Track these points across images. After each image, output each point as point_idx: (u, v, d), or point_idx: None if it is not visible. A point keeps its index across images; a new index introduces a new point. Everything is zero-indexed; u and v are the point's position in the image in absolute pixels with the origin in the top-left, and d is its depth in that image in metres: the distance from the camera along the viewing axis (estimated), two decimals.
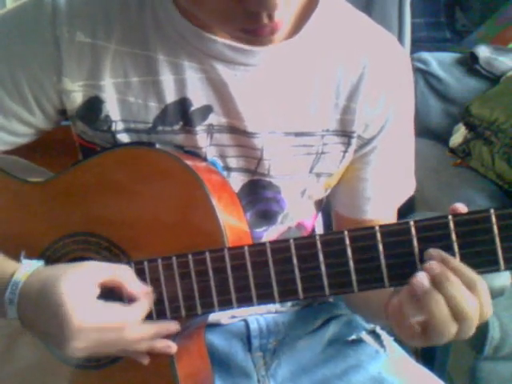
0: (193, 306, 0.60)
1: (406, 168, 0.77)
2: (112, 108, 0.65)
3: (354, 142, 0.69)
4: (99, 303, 0.58)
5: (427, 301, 0.52)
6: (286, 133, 0.67)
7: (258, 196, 0.70)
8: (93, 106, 0.65)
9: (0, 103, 0.66)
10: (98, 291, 0.58)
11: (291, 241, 0.56)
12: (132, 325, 0.58)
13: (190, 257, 0.59)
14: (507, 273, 1.02)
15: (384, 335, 0.78)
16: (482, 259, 0.52)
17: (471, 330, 0.53)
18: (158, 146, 0.64)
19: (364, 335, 0.78)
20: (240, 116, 0.65)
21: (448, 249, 0.52)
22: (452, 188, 1.45)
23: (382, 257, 0.54)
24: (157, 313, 0.61)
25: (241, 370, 0.76)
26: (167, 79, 0.64)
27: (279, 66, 0.65)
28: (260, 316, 0.80)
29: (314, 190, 0.73)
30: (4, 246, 0.67)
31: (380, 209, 0.74)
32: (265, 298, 0.58)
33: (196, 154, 0.67)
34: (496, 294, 1.01)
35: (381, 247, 0.54)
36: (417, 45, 1.57)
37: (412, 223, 0.53)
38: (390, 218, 0.76)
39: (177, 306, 0.60)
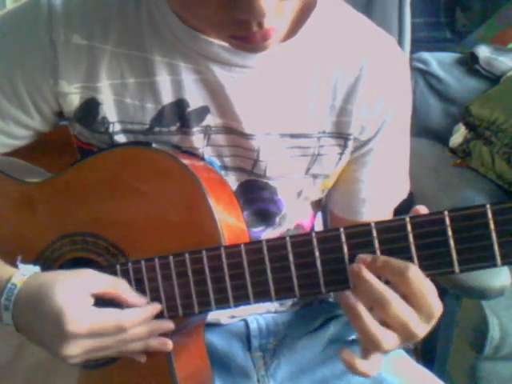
0: (190, 305, 0.60)
1: (401, 170, 0.77)
2: (109, 109, 0.65)
3: (351, 144, 0.69)
4: (93, 310, 0.58)
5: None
6: (282, 134, 0.67)
7: (255, 196, 0.70)
8: (90, 107, 0.66)
9: None
10: (91, 300, 0.59)
11: (287, 238, 0.56)
12: (128, 329, 0.58)
13: (186, 255, 0.59)
14: (507, 272, 1.02)
15: None
16: (478, 255, 0.52)
17: (407, 319, 0.52)
18: (154, 145, 0.64)
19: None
20: (236, 117, 0.65)
21: (444, 245, 0.52)
22: (452, 188, 1.45)
23: (378, 253, 0.54)
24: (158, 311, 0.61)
25: (240, 370, 0.76)
26: (164, 80, 0.64)
27: (276, 68, 0.65)
28: (260, 316, 0.80)
29: (311, 192, 0.73)
30: (2, 246, 0.67)
31: (375, 210, 0.74)
32: (261, 296, 0.58)
33: (193, 153, 0.67)
34: (496, 293, 1.01)
35: (377, 243, 0.54)
36: (417, 45, 1.56)
37: (408, 219, 0.53)
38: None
39: (174, 305, 0.60)
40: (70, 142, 0.74)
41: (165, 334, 0.61)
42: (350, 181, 0.74)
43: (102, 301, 0.60)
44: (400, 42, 1.18)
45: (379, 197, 0.75)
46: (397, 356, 0.77)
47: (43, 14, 0.63)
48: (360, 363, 0.54)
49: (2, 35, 0.67)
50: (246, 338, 0.78)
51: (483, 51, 1.68)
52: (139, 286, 0.61)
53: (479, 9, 2.37)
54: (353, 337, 0.78)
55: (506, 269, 1.03)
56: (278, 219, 0.73)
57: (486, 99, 1.57)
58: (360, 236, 0.54)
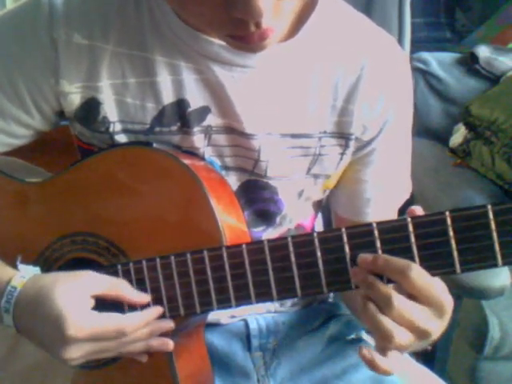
0: (191, 305, 0.60)
1: (404, 170, 0.77)
2: (110, 109, 0.65)
3: (352, 144, 0.69)
4: (94, 314, 0.58)
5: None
6: (283, 134, 0.67)
7: (256, 196, 0.70)
8: (90, 107, 0.65)
9: None
10: (92, 302, 0.59)
11: (289, 238, 0.56)
12: (129, 333, 0.58)
13: (188, 255, 0.59)
14: (507, 272, 1.02)
15: None
16: (479, 255, 0.52)
17: (414, 317, 0.52)
18: (155, 145, 0.64)
19: (364, 334, 0.78)
20: (237, 117, 0.65)
21: (445, 245, 0.52)
22: (452, 188, 1.45)
23: (380, 253, 0.54)
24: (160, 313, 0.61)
25: (240, 370, 0.76)
26: (164, 80, 0.64)
27: (276, 68, 0.65)
28: (260, 316, 0.80)
29: (312, 192, 0.73)
30: (2, 246, 0.67)
31: (380, 210, 0.74)
32: (263, 296, 0.58)
33: (194, 153, 0.67)
34: (496, 293, 1.01)
35: (378, 244, 0.54)
36: (417, 45, 1.56)
37: (409, 220, 0.53)
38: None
39: (175, 305, 0.60)
40: (70, 142, 0.74)
41: (166, 334, 0.61)
42: (354, 181, 0.74)
43: (104, 302, 0.60)
44: (400, 42, 1.18)
45: (383, 197, 0.75)
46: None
47: (44, 13, 0.63)
48: (380, 360, 0.53)
49: (2, 35, 0.67)
50: (245, 338, 0.78)
51: (483, 51, 1.68)
52: (141, 286, 0.61)
53: (479, 9, 2.37)
54: (352, 336, 0.78)
55: (505, 269, 1.03)
56: (278, 219, 0.73)
57: (486, 99, 1.57)
58: (362, 236, 0.54)
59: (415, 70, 1.68)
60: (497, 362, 1.30)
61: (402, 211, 0.79)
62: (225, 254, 0.58)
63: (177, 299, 0.60)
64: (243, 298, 0.58)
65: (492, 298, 1.05)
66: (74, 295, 0.57)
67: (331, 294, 0.89)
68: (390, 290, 0.53)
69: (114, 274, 0.62)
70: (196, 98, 0.65)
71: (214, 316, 0.76)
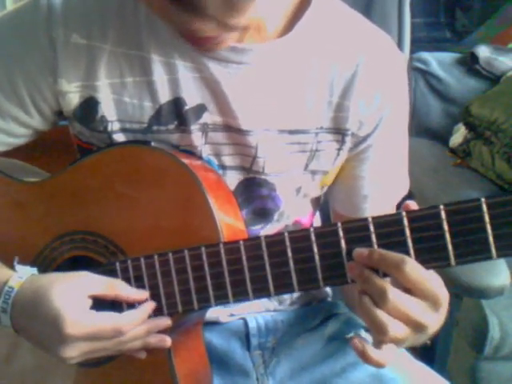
0: (189, 301, 0.60)
1: (401, 166, 0.77)
2: (108, 108, 0.66)
3: (349, 139, 0.69)
4: (91, 313, 0.58)
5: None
6: (280, 130, 0.67)
7: (254, 194, 0.71)
8: (89, 106, 0.66)
9: None
10: (89, 302, 0.59)
11: (286, 234, 0.57)
12: (126, 332, 0.58)
13: (185, 252, 0.59)
14: (507, 272, 1.02)
15: None
16: (474, 248, 0.52)
17: (409, 310, 0.52)
18: (153, 144, 0.64)
19: (363, 333, 0.78)
20: (234, 114, 0.65)
21: (440, 238, 0.53)
22: (452, 188, 1.45)
23: (375, 247, 0.54)
24: (154, 308, 0.61)
25: (240, 369, 0.76)
26: (161, 79, 0.64)
27: (272, 64, 0.65)
28: (259, 314, 0.80)
29: (310, 188, 0.73)
30: (1, 245, 0.67)
31: (377, 206, 0.74)
32: (260, 291, 0.58)
33: (191, 152, 0.67)
34: (496, 293, 1.01)
35: (374, 238, 0.54)
36: (417, 45, 1.57)
37: (404, 214, 0.53)
38: None
39: (173, 302, 0.60)
40: (69, 142, 0.74)
41: (164, 331, 0.61)
42: (351, 178, 0.74)
43: (101, 302, 0.60)
44: (400, 42, 1.18)
45: (381, 193, 0.75)
46: (397, 353, 0.77)
47: (43, 13, 0.64)
48: (371, 351, 0.54)
49: (2, 35, 0.68)
50: (245, 337, 0.79)
51: (483, 51, 1.68)
52: (139, 283, 0.61)
53: (479, 9, 2.38)
54: (351, 334, 0.78)
55: (505, 268, 1.03)
56: (276, 216, 0.73)
57: (486, 99, 1.57)
58: (357, 231, 0.55)
59: (415, 70, 1.68)
60: (497, 362, 1.30)
61: (399, 208, 0.79)
62: (222, 250, 0.58)
63: (175, 296, 0.60)
64: (241, 294, 0.58)
65: (492, 297, 1.05)
66: (72, 295, 0.58)
67: (330, 293, 0.89)
68: (385, 283, 0.53)
69: (113, 271, 0.62)
70: (192, 96, 0.65)
71: (212, 314, 0.76)
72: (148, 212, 0.62)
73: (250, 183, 0.70)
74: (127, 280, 0.62)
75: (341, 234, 0.55)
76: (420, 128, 1.67)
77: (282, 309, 0.82)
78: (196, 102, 0.65)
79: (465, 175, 1.53)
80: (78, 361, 0.59)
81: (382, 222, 0.54)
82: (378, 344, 0.54)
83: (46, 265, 0.67)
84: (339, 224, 0.55)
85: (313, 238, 0.56)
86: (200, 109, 0.65)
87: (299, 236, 0.56)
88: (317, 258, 0.56)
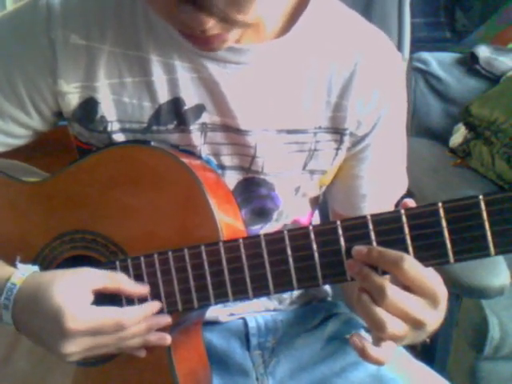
0: (189, 300, 0.60)
1: (400, 165, 0.77)
2: (107, 109, 0.66)
3: (347, 139, 0.70)
4: (93, 308, 0.58)
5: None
6: (279, 130, 0.67)
7: (253, 194, 0.71)
8: (88, 107, 0.66)
9: None
10: (91, 297, 0.59)
11: (285, 232, 0.57)
12: (127, 328, 0.58)
13: (185, 251, 0.59)
14: (507, 272, 1.02)
15: None
16: (472, 245, 0.52)
17: (407, 307, 0.53)
18: (153, 143, 0.64)
19: (363, 333, 0.78)
20: (232, 114, 0.65)
21: (439, 235, 0.53)
22: (452, 188, 1.45)
23: (374, 245, 0.55)
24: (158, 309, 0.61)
25: (239, 369, 0.76)
26: (160, 79, 0.64)
27: (270, 64, 0.65)
28: (258, 314, 0.80)
29: (308, 188, 0.73)
30: (1, 245, 0.67)
31: (376, 206, 0.75)
32: (260, 289, 0.58)
33: (191, 152, 0.67)
34: (496, 293, 1.01)
35: (373, 235, 0.55)
36: (417, 45, 1.57)
37: (403, 211, 0.54)
38: None
39: (173, 300, 0.61)
40: (69, 142, 0.74)
41: (164, 330, 0.61)
42: (350, 177, 0.74)
43: (103, 298, 0.60)
44: (400, 42, 1.18)
45: (379, 192, 0.75)
46: (397, 353, 0.77)
47: (42, 14, 0.64)
48: (371, 348, 0.54)
49: (1, 36, 0.68)
50: (244, 337, 0.79)
51: (483, 51, 1.68)
52: (139, 282, 0.61)
53: (479, 9, 2.38)
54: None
55: (505, 268, 1.03)
56: (275, 215, 0.73)
57: (486, 99, 1.57)
58: (356, 228, 0.55)
59: (415, 70, 1.68)
60: (497, 362, 1.30)
61: (397, 206, 0.79)
62: (222, 249, 0.58)
63: (175, 294, 0.60)
64: (240, 292, 0.58)
65: (492, 297, 1.05)
66: (74, 290, 0.58)
67: (330, 293, 0.89)
68: (383, 280, 0.53)
69: (113, 270, 0.62)
70: (191, 96, 0.65)
71: (212, 314, 0.76)
72: (148, 211, 0.62)
73: (249, 183, 0.70)
74: None
75: (340, 231, 0.55)
76: (420, 128, 1.67)
77: (282, 308, 0.82)
78: (195, 102, 0.65)
79: (465, 175, 1.53)
80: (78, 358, 0.59)
81: (381, 220, 0.54)
82: (377, 341, 0.54)
83: (46, 264, 0.67)
84: (338, 222, 0.55)
85: (312, 235, 0.56)
86: (199, 109, 0.66)
87: (298, 234, 0.56)
88: (316, 255, 0.56)
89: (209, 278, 0.59)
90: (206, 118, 0.66)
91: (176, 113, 0.66)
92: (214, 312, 0.76)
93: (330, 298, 0.88)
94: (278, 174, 0.70)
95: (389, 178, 0.76)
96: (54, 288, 0.57)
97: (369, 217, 0.54)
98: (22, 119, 0.68)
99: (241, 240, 0.58)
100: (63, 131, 0.73)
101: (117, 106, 0.66)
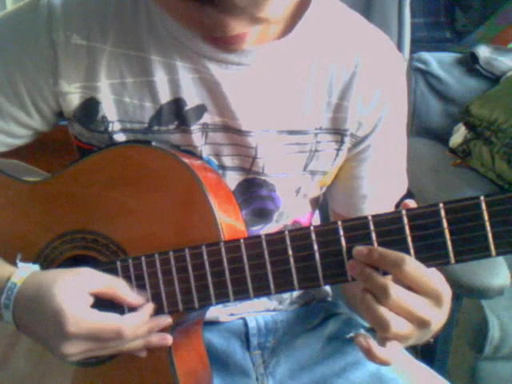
0: (190, 300, 0.60)
1: (400, 166, 0.77)
2: (108, 109, 0.66)
3: (348, 140, 0.70)
4: (93, 313, 0.58)
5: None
6: (280, 131, 0.67)
7: (253, 194, 0.71)
8: (89, 107, 0.66)
9: None
10: (91, 299, 0.59)
11: (286, 232, 0.57)
12: (127, 335, 0.58)
13: (186, 251, 0.59)
14: (507, 272, 1.02)
15: None
16: (473, 245, 0.52)
17: (411, 306, 0.53)
18: (154, 143, 0.64)
19: (363, 333, 0.78)
20: (233, 115, 0.65)
21: (440, 236, 0.53)
22: (452, 188, 1.45)
23: (375, 245, 0.55)
24: (154, 307, 0.61)
25: (239, 369, 0.76)
26: (161, 80, 0.65)
27: (272, 65, 0.65)
28: (258, 314, 0.80)
29: (309, 188, 0.73)
30: (2, 245, 0.67)
31: (376, 207, 0.75)
32: (261, 289, 0.58)
33: (192, 152, 0.67)
34: (496, 293, 1.01)
35: (374, 236, 0.55)
36: (417, 45, 1.57)
37: (404, 212, 0.54)
38: None
39: (174, 300, 0.61)
40: (70, 142, 0.74)
41: (165, 330, 0.61)
42: (350, 178, 0.74)
43: (103, 299, 0.60)
44: (400, 42, 1.18)
45: (379, 193, 0.75)
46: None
47: (43, 14, 0.64)
48: (377, 349, 0.53)
49: (2, 36, 0.68)
50: (244, 337, 0.79)
51: (483, 51, 1.68)
52: (139, 282, 0.61)
53: (479, 9, 2.38)
54: (351, 334, 0.78)
55: (505, 268, 1.03)
56: (275, 216, 0.73)
57: (486, 99, 1.57)
58: (357, 229, 0.55)
59: (415, 70, 1.68)
60: (497, 362, 1.29)
61: (398, 207, 0.79)
62: (223, 249, 0.58)
63: (175, 294, 0.60)
64: (241, 293, 0.59)
65: (492, 297, 1.05)
66: (74, 292, 0.58)
67: (330, 293, 0.89)
68: (386, 280, 0.53)
69: (114, 270, 0.62)
70: (192, 96, 0.65)
71: (212, 314, 0.76)
72: (149, 211, 0.62)
73: (249, 184, 0.70)
74: (128, 279, 0.62)
75: (341, 232, 0.55)
76: (420, 128, 1.67)
77: (282, 308, 0.82)
78: (196, 102, 0.65)
79: (465, 175, 1.53)
80: (79, 358, 0.59)
81: (382, 220, 0.54)
82: (381, 341, 0.54)
83: (47, 264, 0.67)
84: (339, 222, 0.56)
85: (313, 236, 0.56)
86: (200, 109, 0.66)
87: (300, 234, 0.57)
88: (317, 256, 0.56)
89: (210, 278, 0.59)
90: (207, 118, 0.66)
91: (177, 113, 0.66)
92: (215, 312, 0.76)
93: (330, 298, 0.88)
94: (278, 175, 0.70)
95: (389, 179, 0.76)
96: (54, 289, 0.57)
97: (370, 217, 0.55)
98: (22, 119, 0.68)
99: (242, 240, 0.58)
100: (63, 131, 0.73)
101: (118, 107, 0.66)
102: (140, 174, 0.63)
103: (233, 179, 0.69)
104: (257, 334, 0.79)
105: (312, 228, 0.56)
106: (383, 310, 0.53)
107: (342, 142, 0.70)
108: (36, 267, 0.62)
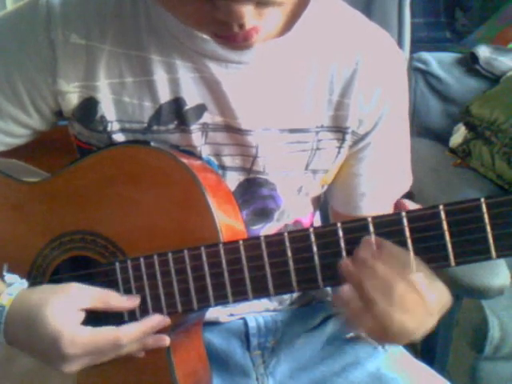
0: (189, 301, 0.60)
1: (401, 164, 0.77)
2: (107, 108, 0.66)
3: (349, 137, 0.70)
4: (89, 330, 0.58)
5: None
6: (281, 130, 0.67)
7: (254, 194, 0.71)
8: (88, 106, 0.66)
9: None
10: (82, 315, 0.59)
11: (285, 234, 0.57)
12: (126, 344, 0.59)
13: (185, 252, 0.59)
14: (507, 272, 1.02)
15: None
16: (473, 248, 0.52)
17: (414, 311, 0.53)
18: (152, 144, 0.64)
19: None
20: (234, 114, 0.65)
21: (440, 238, 0.53)
22: (452, 188, 1.45)
23: (374, 248, 0.54)
24: (153, 308, 0.61)
25: (239, 369, 0.76)
26: (161, 79, 0.64)
27: (272, 63, 0.65)
28: (258, 314, 0.80)
29: (311, 187, 0.73)
30: (1, 246, 0.67)
31: (375, 204, 0.74)
32: (260, 291, 0.58)
33: (191, 152, 0.67)
34: (496, 293, 1.01)
35: (373, 238, 0.54)
36: (417, 45, 1.57)
37: (404, 214, 0.54)
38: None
39: (173, 302, 0.60)
40: (70, 142, 0.74)
41: (163, 331, 0.61)
42: (349, 176, 0.74)
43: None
44: (400, 42, 1.19)
45: (378, 191, 0.75)
46: (397, 353, 0.77)
47: (42, 13, 0.64)
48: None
49: (1, 35, 0.68)
50: (244, 337, 0.78)
51: (483, 51, 1.68)
52: (138, 283, 0.61)
53: (479, 9, 2.38)
54: (351, 334, 0.78)
55: (505, 268, 1.03)
56: (276, 215, 0.73)
57: (486, 99, 1.57)
58: (357, 231, 0.55)
59: (415, 70, 1.68)
60: (497, 362, 1.29)
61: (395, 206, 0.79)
62: (222, 250, 0.58)
63: (174, 296, 0.60)
64: (240, 294, 0.58)
65: (492, 297, 1.05)
66: (64, 312, 0.58)
67: (330, 293, 0.89)
68: (392, 273, 0.53)
69: (112, 271, 0.62)
70: (192, 95, 0.65)
71: (212, 314, 0.76)
72: (147, 212, 0.62)
73: (250, 183, 0.70)
74: (127, 280, 0.62)
75: (340, 233, 0.55)
76: (420, 128, 1.67)
77: (282, 309, 0.82)
78: (196, 101, 0.65)
79: (465, 175, 1.53)
80: (79, 370, 0.60)
81: (382, 222, 0.54)
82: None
83: (45, 265, 0.67)
84: (339, 224, 0.55)
85: (312, 237, 0.56)
86: (200, 109, 0.65)
87: (299, 236, 0.56)
88: (316, 258, 0.56)
89: (208, 280, 0.59)
90: (207, 117, 0.66)
91: (177, 113, 0.65)
92: (215, 312, 0.76)
93: (330, 299, 0.88)
94: (279, 174, 0.70)
95: (389, 177, 0.75)
96: (46, 312, 0.57)
97: (370, 219, 0.54)
98: (21, 118, 0.68)
99: (241, 241, 0.58)
100: (63, 131, 0.73)
101: (117, 106, 0.66)
102: (139, 175, 0.63)
103: (233, 179, 0.69)
104: (257, 334, 0.78)
105: (311, 229, 0.56)
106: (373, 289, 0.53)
107: (343, 140, 0.70)
108: (24, 284, 0.62)
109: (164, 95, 0.65)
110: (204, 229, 0.60)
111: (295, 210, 0.75)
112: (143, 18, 0.64)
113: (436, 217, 0.52)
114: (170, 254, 0.60)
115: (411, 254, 0.54)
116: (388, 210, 0.76)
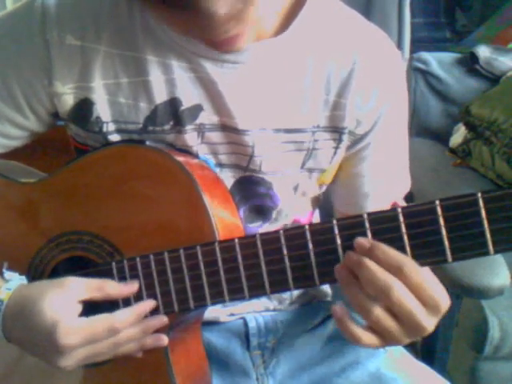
0: (185, 300, 0.60)
1: (402, 164, 0.77)
2: (103, 109, 0.66)
3: (346, 138, 0.69)
4: (84, 320, 0.58)
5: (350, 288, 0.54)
6: (277, 129, 0.67)
7: (251, 192, 0.71)
8: (84, 108, 0.66)
9: None
10: (79, 308, 0.59)
11: (281, 232, 0.57)
12: (121, 330, 0.59)
13: (181, 251, 0.59)
14: (507, 272, 1.02)
15: None
16: (470, 243, 0.51)
17: (415, 307, 0.52)
18: (148, 143, 0.64)
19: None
20: (230, 113, 0.65)
21: (436, 233, 0.52)
22: (452, 188, 1.45)
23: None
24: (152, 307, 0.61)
25: (239, 369, 0.76)
26: (157, 80, 0.64)
27: (268, 63, 0.65)
28: (258, 314, 0.80)
29: (307, 186, 0.73)
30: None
31: (378, 204, 0.74)
32: (256, 289, 0.58)
33: (188, 151, 0.67)
34: (496, 293, 1.01)
35: (369, 234, 0.54)
36: (417, 45, 1.57)
37: (400, 210, 0.53)
38: None
39: (169, 301, 0.60)
40: (68, 143, 0.74)
41: (161, 331, 0.61)
42: (351, 176, 0.74)
43: (95, 302, 0.60)
44: (400, 42, 1.19)
45: (381, 191, 0.75)
46: (397, 353, 0.77)
47: (37, 15, 0.64)
48: (351, 321, 0.54)
49: None
50: (244, 337, 0.78)
51: (483, 51, 1.68)
52: (126, 282, 0.61)
53: (479, 9, 2.38)
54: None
55: (505, 268, 1.03)
56: (274, 214, 0.73)
57: (486, 99, 1.57)
58: (353, 227, 0.54)
59: (415, 70, 1.68)
60: (497, 362, 1.29)
61: None
62: (217, 249, 0.58)
63: (171, 295, 0.60)
64: (236, 292, 0.58)
65: (492, 297, 1.04)
66: (61, 304, 0.58)
67: (330, 293, 0.89)
68: (390, 275, 0.52)
69: (109, 271, 0.62)
70: (188, 96, 0.65)
71: (212, 314, 0.76)
72: (144, 211, 0.62)
73: (246, 181, 0.70)
74: (123, 280, 0.62)
75: (336, 230, 0.55)
76: (420, 128, 1.67)
77: (282, 308, 0.82)
78: (192, 102, 0.65)
79: (465, 175, 1.53)
80: (76, 367, 0.59)
81: (378, 218, 0.54)
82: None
83: (43, 265, 0.67)
84: (334, 221, 0.55)
85: (308, 235, 0.56)
86: (196, 109, 0.65)
87: (294, 233, 0.56)
88: (312, 255, 0.56)
89: (204, 279, 0.59)
90: (203, 118, 0.66)
91: (173, 113, 0.65)
92: (214, 312, 0.76)
93: (329, 298, 0.88)
94: (275, 173, 0.70)
95: (391, 177, 0.75)
96: (43, 304, 0.57)
97: (365, 215, 0.54)
98: (17, 120, 0.68)
99: (236, 240, 0.58)
100: (62, 132, 0.73)
101: (112, 107, 0.66)
102: (134, 175, 0.63)
103: (229, 177, 0.69)
104: (257, 334, 0.78)
105: (307, 227, 0.56)
106: (365, 300, 0.53)
107: (340, 140, 0.69)
108: (23, 279, 0.62)
109: (160, 96, 0.65)
110: (200, 227, 0.60)
111: (293, 209, 0.75)
112: (139, 18, 0.64)
113: (432, 212, 0.52)
114: (166, 254, 0.60)
115: (408, 255, 0.53)
116: None
